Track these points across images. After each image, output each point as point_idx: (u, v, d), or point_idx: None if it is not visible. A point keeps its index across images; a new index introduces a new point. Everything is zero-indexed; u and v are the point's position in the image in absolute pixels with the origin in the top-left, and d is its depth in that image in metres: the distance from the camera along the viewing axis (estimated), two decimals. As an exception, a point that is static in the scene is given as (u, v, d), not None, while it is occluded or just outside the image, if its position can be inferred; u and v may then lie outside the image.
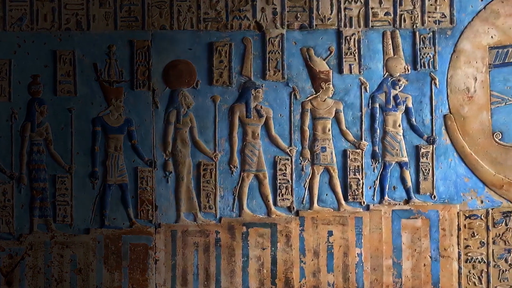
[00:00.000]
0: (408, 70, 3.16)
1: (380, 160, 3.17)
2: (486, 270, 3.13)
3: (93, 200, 3.14)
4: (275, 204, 3.16)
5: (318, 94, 3.16)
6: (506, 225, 3.14)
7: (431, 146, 3.15)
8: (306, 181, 3.17)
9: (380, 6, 3.17)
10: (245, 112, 3.16)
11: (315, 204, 3.16)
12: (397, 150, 3.16)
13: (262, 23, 3.17)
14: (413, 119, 3.16)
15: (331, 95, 3.17)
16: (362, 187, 3.16)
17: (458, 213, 3.13)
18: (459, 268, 3.13)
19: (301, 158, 3.17)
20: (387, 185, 3.16)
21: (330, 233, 3.15)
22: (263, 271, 3.14)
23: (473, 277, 3.13)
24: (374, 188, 3.16)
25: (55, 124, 3.14)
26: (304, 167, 3.17)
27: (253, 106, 3.16)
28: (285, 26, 3.17)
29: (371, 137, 3.17)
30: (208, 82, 3.16)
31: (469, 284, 3.13)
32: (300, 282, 3.14)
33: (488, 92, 3.15)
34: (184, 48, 3.15)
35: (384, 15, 3.17)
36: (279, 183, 3.16)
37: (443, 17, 3.16)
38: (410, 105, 3.16)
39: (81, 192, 3.14)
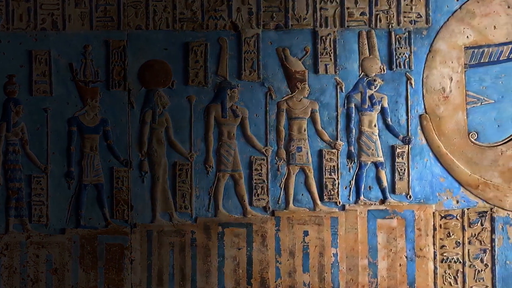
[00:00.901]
0: (384, 70, 3.16)
1: (355, 160, 3.17)
2: (461, 270, 3.13)
3: (68, 200, 3.14)
4: (250, 204, 3.16)
5: (294, 94, 3.16)
6: (482, 225, 3.14)
7: (407, 146, 3.15)
8: (281, 181, 3.17)
9: (356, 6, 3.17)
10: (220, 112, 3.16)
11: (291, 204, 3.16)
12: (372, 150, 3.16)
13: (237, 23, 3.17)
14: (389, 119, 3.16)
15: (306, 95, 3.17)
16: (338, 187, 3.16)
17: (433, 213, 3.13)
18: (435, 268, 3.13)
19: (276, 158, 3.17)
20: (363, 185, 3.16)
21: (305, 233, 3.15)
22: (239, 271, 3.14)
23: (449, 277, 3.13)
24: (350, 188, 3.16)
25: (31, 124, 3.14)
26: (279, 167, 3.17)
27: (229, 106, 3.16)
28: (260, 26, 3.17)
29: (346, 137, 3.17)
30: (184, 82, 3.16)
31: (444, 284, 3.13)
32: (275, 282, 3.14)
33: (464, 92, 3.15)
34: (160, 48, 3.15)
35: (360, 15, 3.17)
36: (255, 183, 3.16)
37: (418, 17, 3.16)
38: (385, 105, 3.16)
39: (56, 192, 3.14)
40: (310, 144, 3.17)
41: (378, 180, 3.16)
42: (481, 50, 3.14)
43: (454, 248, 3.14)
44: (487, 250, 3.13)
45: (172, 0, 3.16)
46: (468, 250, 3.14)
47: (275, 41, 3.17)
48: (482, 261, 3.14)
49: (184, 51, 3.15)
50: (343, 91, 3.17)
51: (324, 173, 3.16)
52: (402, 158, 3.15)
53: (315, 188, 3.16)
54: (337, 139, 3.17)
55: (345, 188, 3.16)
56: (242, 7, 3.17)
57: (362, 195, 3.16)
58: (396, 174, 3.15)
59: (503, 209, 3.13)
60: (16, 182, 3.13)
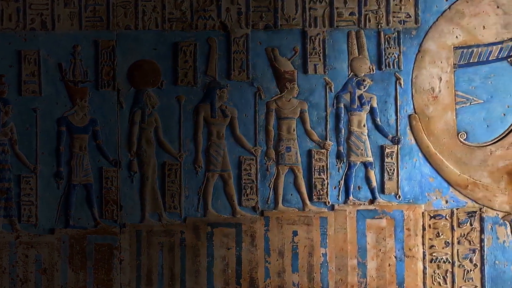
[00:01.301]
0: (373, 70, 3.16)
1: (345, 160, 3.17)
2: (451, 270, 3.13)
3: (58, 200, 3.14)
4: (240, 204, 3.16)
5: (283, 94, 3.16)
6: (471, 225, 3.14)
7: (396, 146, 3.15)
8: (271, 181, 3.17)
9: (345, 6, 3.17)
10: (210, 112, 3.16)
11: (280, 204, 3.16)
12: (362, 150, 3.16)
13: (227, 23, 3.17)
14: (378, 119, 3.16)
15: (296, 95, 3.17)
16: (327, 187, 3.16)
17: (423, 213, 3.13)
18: (424, 268, 3.13)
19: (266, 158, 3.17)
20: (352, 185, 3.16)
21: (295, 233, 3.15)
22: (228, 271, 3.14)
23: (438, 277, 3.13)
24: (339, 188, 3.16)
25: (20, 124, 3.14)
26: (269, 167, 3.17)
27: (218, 106, 3.16)
28: (250, 26, 3.17)
29: (336, 137, 3.17)
30: (173, 82, 3.16)
31: (433, 284, 3.13)
32: (265, 282, 3.14)
33: (453, 92, 3.15)
34: (149, 48, 3.15)
35: (349, 15, 3.17)
36: (244, 183, 3.16)
37: (408, 17, 3.15)
38: (375, 105, 3.16)
39: (46, 192, 3.14)
40: (299, 144, 3.17)
41: (367, 180, 3.16)
42: (470, 50, 3.14)
43: (443, 248, 3.14)
44: (476, 250, 3.13)
45: (161, 0, 3.16)
46: (457, 250, 3.14)
47: (264, 41, 3.17)
48: (471, 261, 3.14)
49: (173, 51, 3.15)
50: (332, 91, 3.17)
51: (313, 173, 3.16)
52: (391, 158, 3.15)
53: (304, 188, 3.16)
54: (326, 139, 3.16)
55: (334, 188, 3.16)
56: (231, 7, 3.17)
57: (351, 195, 3.16)
58: (385, 174, 3.15)
59: (492, 209, 3.13)
60: (5, 182, 3.13)
